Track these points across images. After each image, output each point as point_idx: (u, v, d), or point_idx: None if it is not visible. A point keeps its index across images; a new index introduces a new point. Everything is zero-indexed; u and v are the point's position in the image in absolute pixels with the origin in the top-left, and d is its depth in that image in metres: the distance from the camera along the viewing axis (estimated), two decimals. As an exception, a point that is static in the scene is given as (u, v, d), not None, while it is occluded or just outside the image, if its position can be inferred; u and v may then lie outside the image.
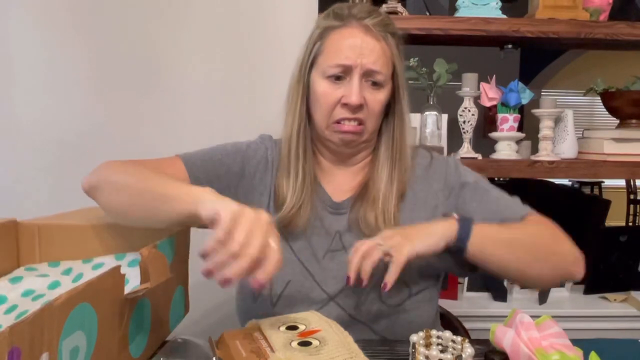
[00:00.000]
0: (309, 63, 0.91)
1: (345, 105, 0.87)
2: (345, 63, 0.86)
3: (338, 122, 0.88)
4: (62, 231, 0.86)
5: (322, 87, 0.88)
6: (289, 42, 1.40)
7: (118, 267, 0.63)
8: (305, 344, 0.65)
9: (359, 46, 0.86)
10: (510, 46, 1.66)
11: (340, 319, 0.84)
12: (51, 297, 0.58)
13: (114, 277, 0.62)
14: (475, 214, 0.89)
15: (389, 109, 0.94)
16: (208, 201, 0.66)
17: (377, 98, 0.88)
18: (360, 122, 0.89)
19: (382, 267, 0.77)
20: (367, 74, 0.87)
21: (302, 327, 0.71)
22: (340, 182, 0.97)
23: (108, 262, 0.83)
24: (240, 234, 0.61)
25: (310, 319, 0.74)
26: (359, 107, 0.87)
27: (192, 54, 1.38)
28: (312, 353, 0.63)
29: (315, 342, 0.65)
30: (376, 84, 0.88)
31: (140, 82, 1.37)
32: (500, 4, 1.52)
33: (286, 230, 0.90)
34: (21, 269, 0.83)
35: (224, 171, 0.93)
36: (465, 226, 0.80)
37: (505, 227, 0.85)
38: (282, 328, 0.70)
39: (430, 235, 0.79)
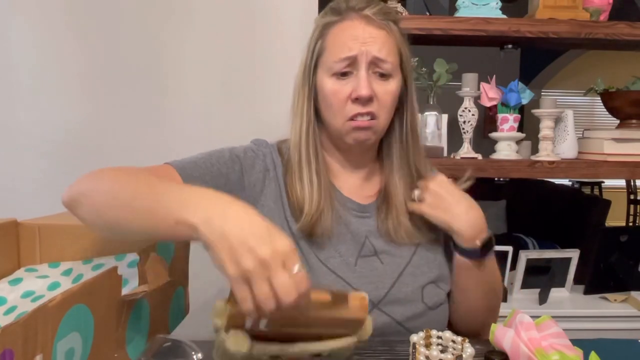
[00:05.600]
0: (313, 63, 0.88)
1: (356, 100, 0.83)
2: (350, 54, 0.82)
3: (352, 118, 0.85)
4: (62, 231, 0.86)
5: (329, 86, 0.85)
6: (289, 43, 1.40)
7: (115, 268, 0.63)
8: None
9: (361, 36, 0.83)
10: (510, 46, 1.66)
11: (387, 326, 0.83)
12: (51, 298, 0.58)
13: (110, 278, 0.62)
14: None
15: (400, 104, 0.90)
16: (201, 225, 0.56)
17: (387, 89, 0.85)
18: (373, 117, 0.85)
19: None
20: (373, 64, 0.83)
21: None
22: (357, 186, 0.94)
23: (108, 262, 0.83)
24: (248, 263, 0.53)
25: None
26: (369, 100, 0.83)
27: (190, 55, 1.38)
28: None
29: None
30: (384, 75, 0.85)
31: (140, 83, 1.37)
32: (500, 4, 1.52)
33: (309, 239, 0.86)
34: (21, 270, 0.83)
35: (223, 182, 0.85)
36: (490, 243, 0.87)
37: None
38: None
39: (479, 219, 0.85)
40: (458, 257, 0.87)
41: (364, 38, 0.83)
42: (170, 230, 0.58)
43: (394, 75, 0.86)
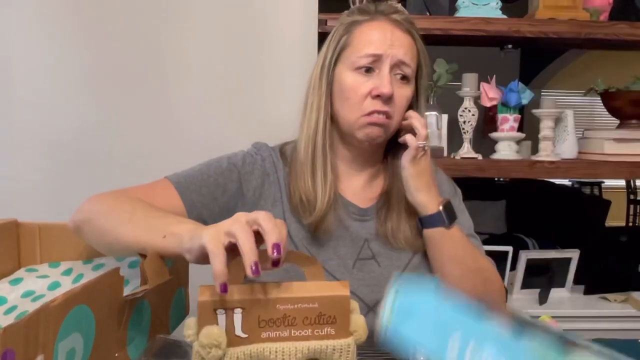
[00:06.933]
0: (334, 57, 0.88)
1: (376, 97, 0.84)
2: (376, 52, 0.84)
3: (368, 114, 0.85)
4: (62, 231, 0.86)
5: (350, 80, 0.85)
6: (290, 44, 1.40)
7: (117, 269, 0.63)
8: None
9: (389, 38, 0.84)
10: (510, 46, 1.66)
11: None
12: (51, 298, 0.58)
13: (112, 278, 0.62)
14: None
15: (409, 109, 0.90)
16: (187, 241, 0.61)
17: (404, 93, 0.86)
18: (388, 116, 0.85)
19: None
20: (396, 66, 0.85)
21: None
22: (360, 189, 0.93)
23: (109, 262, 0.83)
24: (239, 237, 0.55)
25: None
26: (389, 99, 0.84)
27: (191, 55, 1.38)
28: None
29: None
30: (404, 78, 0.86)
31: (141, 83, 1.37)
32: (500, 4, 1.52)
33: (309, 240, 0.87)
34: (22, 270, 0.83)
35: (220, 192, 0.86)
36: (451, 211, 0.87)
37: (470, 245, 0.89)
38: None
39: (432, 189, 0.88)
40: (428, 231, 0.87)
41: (392, 40, 0.85)
42: (161, 243, 0.65)
43: (411, 81, 0.88)
